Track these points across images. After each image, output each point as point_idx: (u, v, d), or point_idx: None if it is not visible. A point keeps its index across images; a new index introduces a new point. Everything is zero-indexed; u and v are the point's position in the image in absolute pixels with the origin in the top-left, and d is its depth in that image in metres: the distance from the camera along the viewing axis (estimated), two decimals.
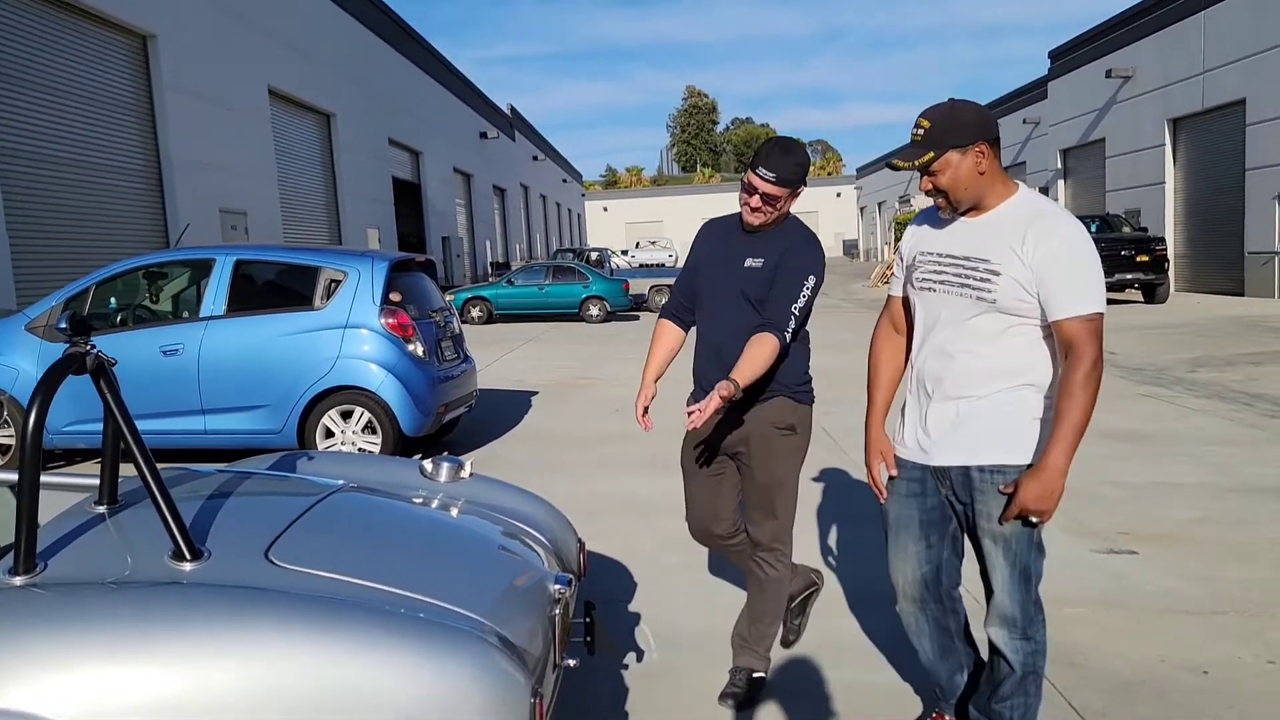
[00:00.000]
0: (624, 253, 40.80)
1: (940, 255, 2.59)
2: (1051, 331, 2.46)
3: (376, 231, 23.38)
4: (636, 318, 22.39)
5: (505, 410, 9.56)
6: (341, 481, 2.94)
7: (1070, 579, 4.39)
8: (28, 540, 2.06)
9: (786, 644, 3.72)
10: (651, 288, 23.94)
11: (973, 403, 2.56)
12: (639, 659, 3.68)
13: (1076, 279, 2.39)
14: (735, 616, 4.04)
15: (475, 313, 21.59)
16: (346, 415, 6.61)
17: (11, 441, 6.80)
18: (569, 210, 60.97)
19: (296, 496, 2.66)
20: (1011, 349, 2.51)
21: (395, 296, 6.78)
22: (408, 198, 26.98)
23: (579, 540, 3.18)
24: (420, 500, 2.93)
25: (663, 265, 42.97)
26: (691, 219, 69.63)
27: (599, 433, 8.27)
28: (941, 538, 2.74)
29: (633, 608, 4.20)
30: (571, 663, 2.61)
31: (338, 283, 6.75)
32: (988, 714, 2.76)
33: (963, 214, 2.56)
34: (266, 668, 1.87)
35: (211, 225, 15.23)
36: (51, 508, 2.73)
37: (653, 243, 52.14)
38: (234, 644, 1.89)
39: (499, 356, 14.76)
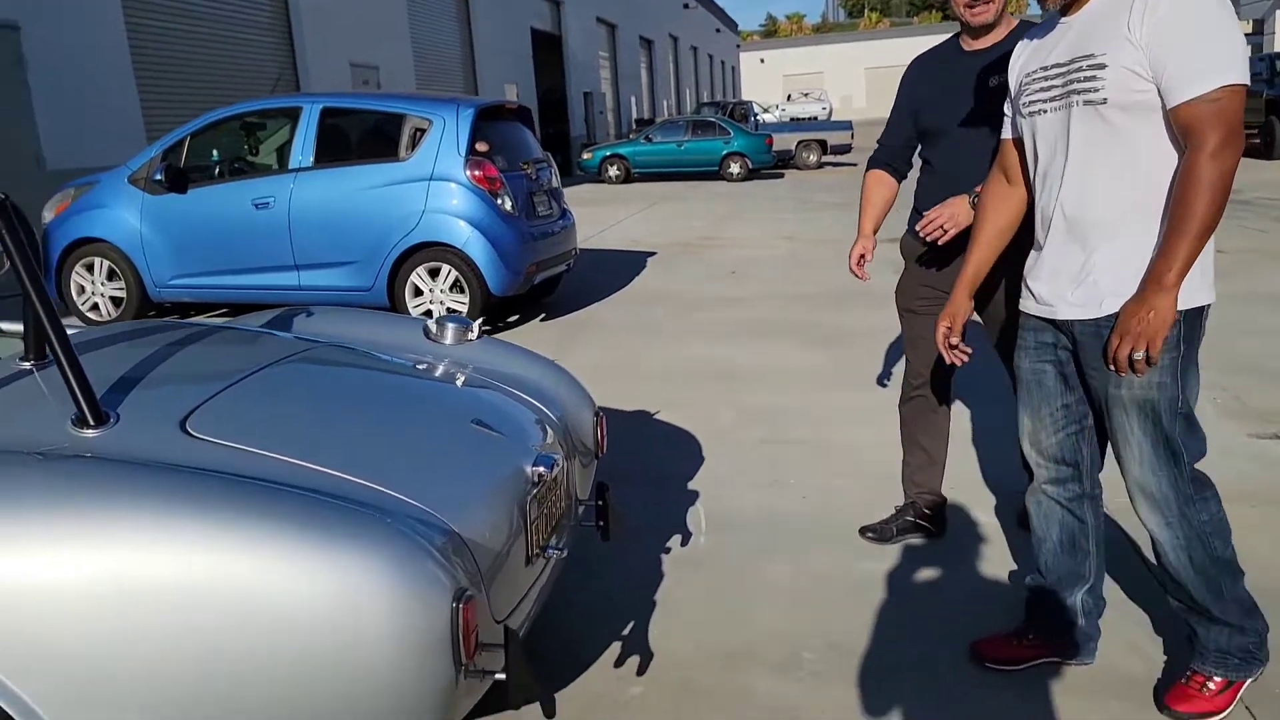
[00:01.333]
0: (768, 110, 38.76)
1: (1046, 69, 2.16)
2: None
3: (514, 87, 22.96)
4: (781, 175, 21.38)
5: (616, 271, 9.19)
6: (319, 342, 2.63)
7: (1217, 470, 3.71)
8: None
9: (867, 534, 3.28)
10: (799, 143, 22.76)
11: (1101, 245, 2.10)
12: (683, 543, 3.32)
13: (1193, 50, 1.91)
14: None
15: (613, 171, 21.08)
16: (434, 273, 6.38)
17: (123, 294, 6.92)
18: (722, 63, 58.69)
19: (254, 357, 2.36)
20: (1137, 164, 2.03)
21: (482, 146, 6.40)
22: (548, 51, 26.29)
23: (596, 412, 2.79)
24: (410, 365, 2.59)
25: (815, 119, 40.86)
26: (854, 69, 66.03)
27: (708, 295, 7.80)
28: (1083, 401, 2.29)
29: (693, 485, 3.83)
30: (558, 552, 2.26)
31: (423, 131, 6.41)
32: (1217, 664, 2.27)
33: (1062, 15, 2.16)
34: (130, 553, 1.58)
35: (342, 79, 15.17)
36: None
37: (805, 94, 49.53)
38: (93, 525, 1.59)
39: (626, 216, 14.32)
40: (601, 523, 2.67)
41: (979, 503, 3.53)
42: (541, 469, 2.20)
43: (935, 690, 2.44)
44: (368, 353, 2.64)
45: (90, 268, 6.92)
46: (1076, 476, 2.36)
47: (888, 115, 3.21)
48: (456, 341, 2.84)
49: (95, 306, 6.98)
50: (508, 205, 6.40)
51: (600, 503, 2.66)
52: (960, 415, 4.45)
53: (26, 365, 2.13)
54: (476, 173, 6.27)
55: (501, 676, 1.87)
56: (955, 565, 3.08)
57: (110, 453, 1.83)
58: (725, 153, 20.59)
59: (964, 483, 3.62)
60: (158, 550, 1.59)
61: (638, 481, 3.87)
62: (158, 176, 6.63)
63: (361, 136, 6.77)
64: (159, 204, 6.71)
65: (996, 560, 3.11)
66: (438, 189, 6.26)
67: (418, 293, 6.39)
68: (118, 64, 10.72)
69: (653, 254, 10.22)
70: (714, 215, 13.87)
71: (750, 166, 20.55)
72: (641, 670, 2.58)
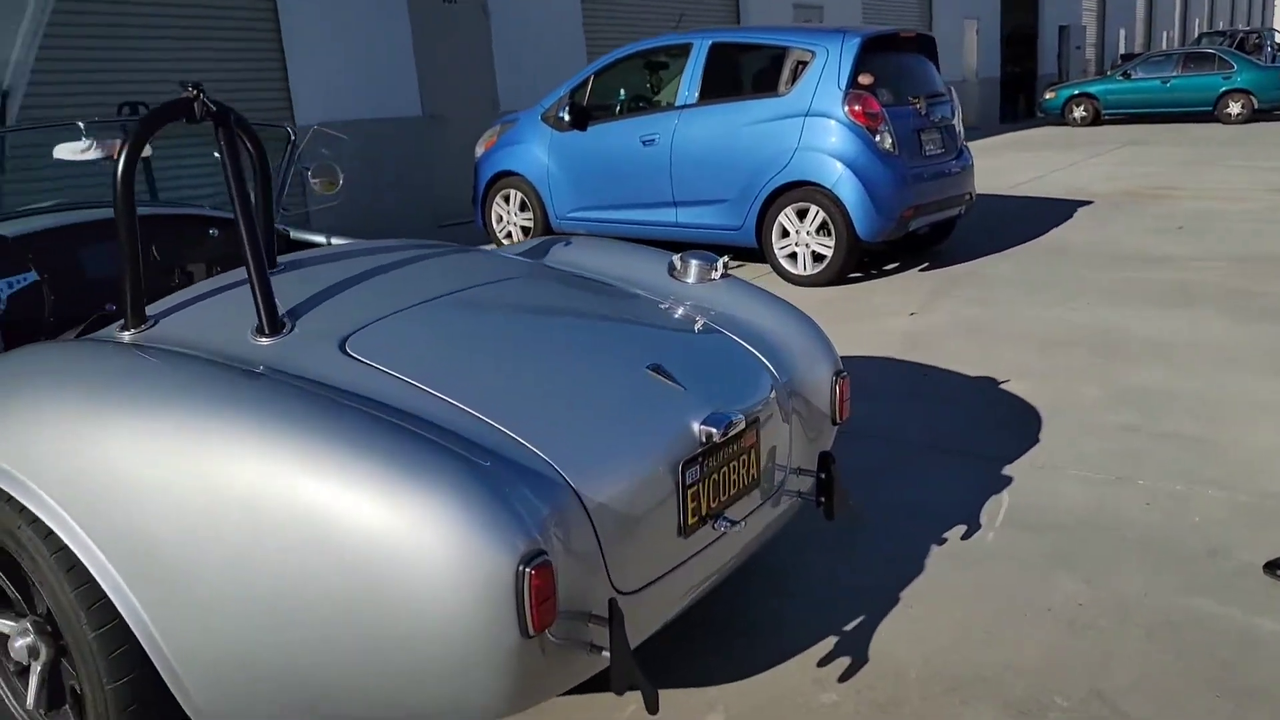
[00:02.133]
0: None
1: None
2: None
3: (975, 23, 21.36)
4: None
5: (1033, 220, 8.18)
6: (547, 269, 2.55)
7: None
8: (133, 295, 2.02)
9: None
10: None
11: None
12: (966, 535, 2.81)
13: None
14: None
15: (1078, 113, 18.88)
16: (803, 214, 6.09)
17: (531, 225, 7.51)
18: None
19: (457, 280, 2.32)
20: None
21: (865, 79, 5.93)
22: None
23: (838, 373, 2.41)
24: (623, 300, 2.41)
25: None
26: None
27: (1132, 252, 6.64)
28: None
29: (1010, 469, 3.24)
30: (731, 525, 1.98)
31: (804, 64, 6.09)
32: None
33: None
34: (221, 464, 1.58)
35: (782, 19, 15.11)
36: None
37: None
38: (191, 433, 1.62)
39: (1076, 161, 12.74)
40: (822, 498, 2.32)
41: None
42: (711, 429, 1.92)
43: None
44: (591, 283, 2.50)
45: (507, 199, 7.60)
46: None
47: None
48: (699, 280, 2.61)
49: (509, 235, 7.66)
50: (887, 143, 5.90)
51: (823, 475, 2.31)
52: None
53: None
54: (855, 107, 5.85)
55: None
56: None
57: (273, 362, 1.88)
58: (1223, 90, 17.51)
59: None
60: (246, 463, 1.58)
61: (943, 455, 3.37)
62: (562, 114, 7.05)
63: (746, 72, 6.61)
64: (563, 140, 7.15)
65: None
66: (813, 125, 5.94)
67: (784, 234, 6.16)
68: (568, 9, 11.57)
69: (1088, 203, 8.97)
70: (1185, 161, 11.85)
71: (1256, 105, 17.28)
72: (846, 676, 2.21)
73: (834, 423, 2.43)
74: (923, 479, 3.21)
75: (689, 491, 1.90)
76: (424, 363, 1.91)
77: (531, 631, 1.54)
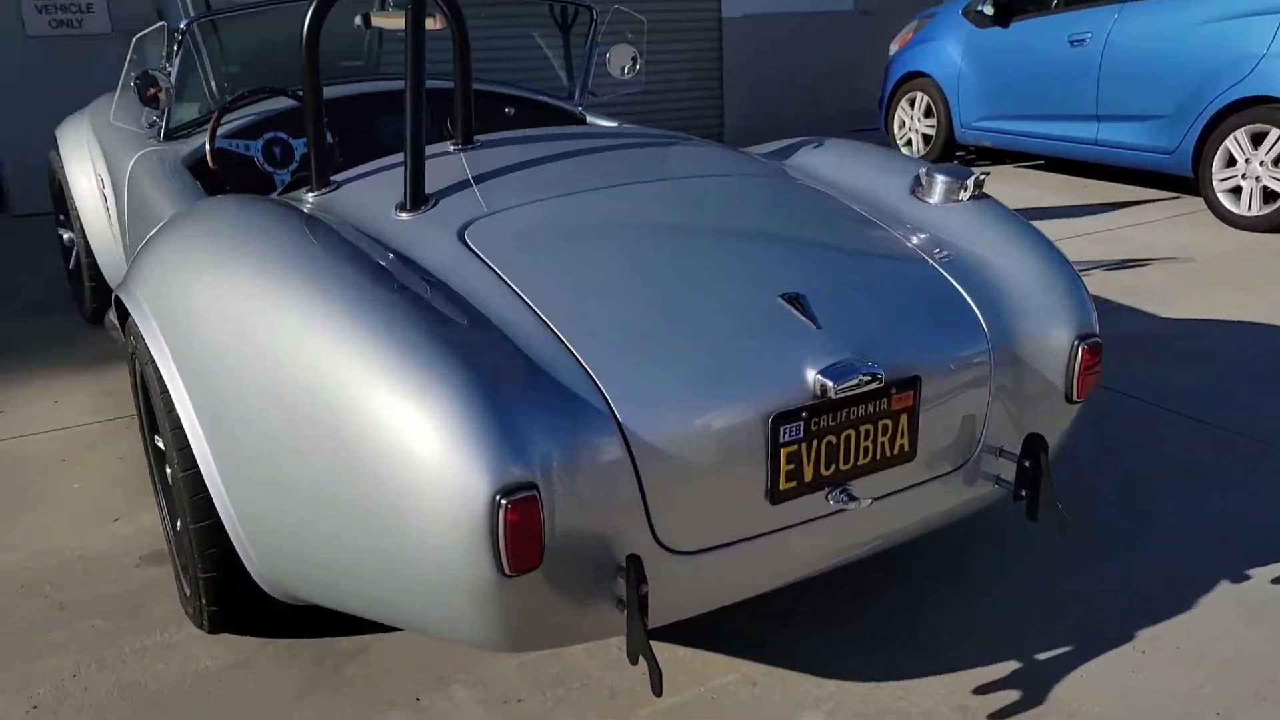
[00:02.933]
0: None
1: None
2: None
3: None
4: None
5: None
6: (748, 165, 2.22)
7: None
8: (317, 158, 2.09)
9: None
10: None
11: None
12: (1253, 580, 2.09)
13: None
14: None
15: None
16: (1258, 140, 4.83)
17: (934, 131, 6.83)
18: None
19: (632, 172, 2.09)
20: None
21: None
22: None
23: (1082, 337, 1.86)
24: (831, 216, 2.03)
25: None
26: None
27: None
28: None
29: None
30: (851, 501, 1.62)
31: None
32: None
33: None
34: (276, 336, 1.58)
35: None
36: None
37: None
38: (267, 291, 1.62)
39: None
40: (1023, 491, 1.83)
41: None
42: (829, 381, 1.56)
43: None
44: (803, 191, 2.12)
45: (912, 103, 6.97)
46: None
47: None
48: (943, 199, 2.12)
49: (909, 143, 7.06)
50: None
51: (1026, 464, 1.81)
52: None
53: (451, 148, 2.23)
54: None
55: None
56: None
57: (397, 239, 1.84)
58: None
59: None
60: (304, 338, 1.53)
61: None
62: (983, 8, 6.25)
63: None
64: (981, 38, 6.35)
65: None
66: None
67: (1230, 163, 4.95)
68: None
69: None
70: None
71: None
72: (1000, 716, 1.75)
73: (1069, 400, 1.88)
74: (1260, 491, 2.44)
75: (785, 451, 1.57)
76: (524, 258, 1.75)
77: (508, 571, 1.37)
